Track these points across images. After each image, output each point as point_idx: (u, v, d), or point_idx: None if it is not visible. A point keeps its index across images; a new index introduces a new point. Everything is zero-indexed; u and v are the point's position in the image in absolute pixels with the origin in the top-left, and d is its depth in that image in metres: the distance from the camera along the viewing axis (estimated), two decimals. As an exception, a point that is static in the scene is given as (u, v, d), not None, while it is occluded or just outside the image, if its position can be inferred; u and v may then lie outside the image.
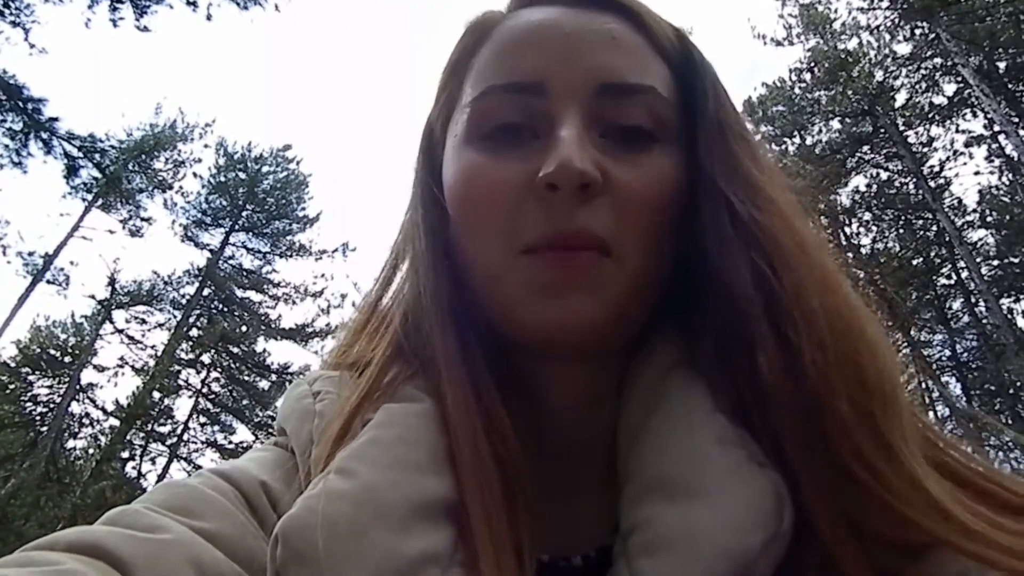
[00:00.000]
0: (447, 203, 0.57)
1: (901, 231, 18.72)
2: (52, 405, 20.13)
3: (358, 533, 0.42)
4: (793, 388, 0.46)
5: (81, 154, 18.66)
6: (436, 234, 0.59)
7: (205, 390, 22.20)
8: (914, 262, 18.22)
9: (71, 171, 18.99)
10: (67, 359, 20.72)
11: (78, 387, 20.32)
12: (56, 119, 17.71)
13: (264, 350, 22.62)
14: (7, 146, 18.05)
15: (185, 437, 21.23)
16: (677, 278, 0.55)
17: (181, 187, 22.02)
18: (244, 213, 23.24)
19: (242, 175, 23.41)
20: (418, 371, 0.56)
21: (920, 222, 18.38)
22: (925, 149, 18.12)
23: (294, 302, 23.08)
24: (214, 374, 22.47)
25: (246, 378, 22.37)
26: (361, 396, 0.54)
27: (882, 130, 17.90)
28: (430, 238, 0.59)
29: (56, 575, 0.36)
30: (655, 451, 0.49)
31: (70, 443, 20.56)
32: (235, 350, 22.31)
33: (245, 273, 23.30)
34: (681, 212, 0.54)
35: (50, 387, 20.66)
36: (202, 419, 22.00)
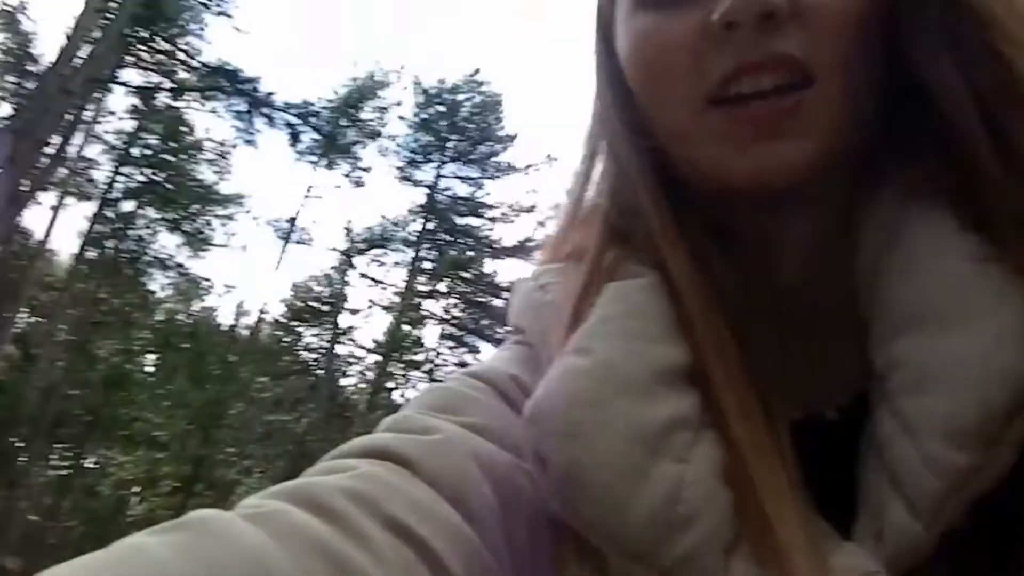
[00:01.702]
0: (627, 75, 0.54)
1: None
2: (322, 351, 22.53)
3: (602, 405, 0.43)
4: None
5: (299, 120, 20.22)
6: (626, 110, 0.56)
7: (447, 317, 23.73)
8: None
9: (294, 138, 20.69)
10: (325, 308, 22.99)
11: (339, 332, 22.54)
12: (272, 93, 19.32)
13: (493, 271, 23.67)
14: (237, 127, 20.03)
15: (437, 362, 22.94)
16: (891, 103, 0.50)
17: (389, 132, 23.30)
18: (450, 144, 24.10)
19: (441, 108, 24.21)
20: (636, 249, 0.54)
21: None
22: None
23: (511, 220, 23.83)
24: (452, 300, 23.94)
25: (481, 300, 23.56)
26: (585, 281, 0.53)
27: None
28: (621, 114, 0.57)
29: (356, 478, 0.40)
30: (902, 283, 0.45)
31: (343, 381, 23.03)
32: (466, 275, 23.54)
33: (461, 201, 24.30)
34: (883, 27, 0.47)
35: (317, 335, 23.14)
36: (449, 343, 23.62)
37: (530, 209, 23.38)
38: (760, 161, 0.47)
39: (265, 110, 19.64)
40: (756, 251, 0.55)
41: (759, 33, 0.45)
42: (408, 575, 0.37)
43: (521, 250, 22.52)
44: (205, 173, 21.71)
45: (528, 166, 23.66)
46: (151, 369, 23.95)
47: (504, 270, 23.42)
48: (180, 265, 21.85)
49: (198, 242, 21.78)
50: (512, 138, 24.25)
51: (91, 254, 20.03)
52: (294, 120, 20.20)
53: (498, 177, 24.17)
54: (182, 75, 20.22)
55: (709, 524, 0.40)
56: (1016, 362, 0.38)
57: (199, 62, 19.31)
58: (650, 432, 0.41)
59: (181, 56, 19.21)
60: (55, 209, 18.66)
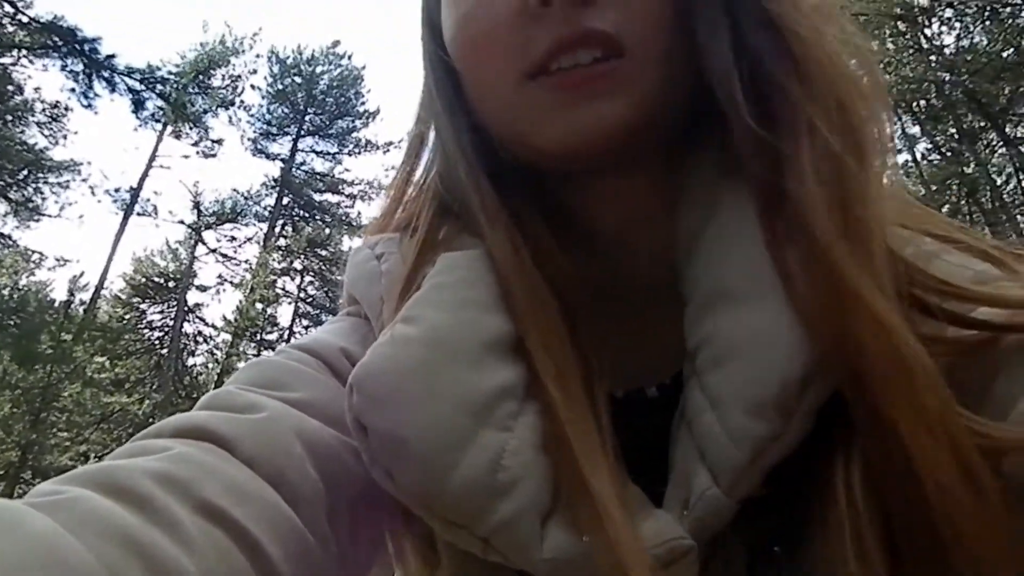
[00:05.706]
0: (451, 55, 0.56)
1: (987, 23, 17.36)
2: (167, 329, 21.44)
3: (432, 373, 0.42)
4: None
5: (143, 86, 18.98)
6: (449, 91, 0.57)
7: (303, 295, 23.16)
8: (1004, 55, 16.98)
9: (138, 105, 19.41)
10: (171, 284, 21.88)
11: (186, 309, 21.52)
12: (113, 56, 18.04)
13: (350, 249, 23.07)
14: (73, 89, 18.57)
15: (292, 342, 22.31)
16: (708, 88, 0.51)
17: (242, 101, 22.41)
18: (307, 117, 23.52)
19: (298, 79, 23.54)
20: (466, 223, 0.55)
21: (1008, 10, 17.00)
22: (1009, -74, 16.50)
23: (370, 198, 23.59)
24: (308, 278, 23.40)
25: (339, 278, 23.02)
26: (418, 250, 0.54)
27: (958, -87, 16.36)
28: (444, 96, 0.58)
29: (166, 459, 0.38)
30: (710, 263, 0.48)
31: (190, 361, 22.06)
32: (323, 253, 23.05)
33: (319, 176, 23.79)
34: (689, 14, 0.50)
35: (161, 312, 21.99)
36: (304, 322, 23.08)
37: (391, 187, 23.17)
38: (577, 120, 0.48)
39: (105, 73, 18.36)
40: (582, 226, 0.56)
41: (573, 10, 0.47)
42: (222, 561, 0.35)
43: (380, 228, 22.27)
44: (35, 136, 20.04)
45: (389, 144, 23.42)
46: (-28, 349, 21.94)
47: (363, 248, 23.11)
48: (6, 236, 20.12)
49: (27, 211, 20.09)
50: (373, 114, 23.92)
51: (-101, 222, 18.08)
52: (137, 86, 19.02)
53: (357, 153, 23.82)
54: (8, 28, 18.50)
55: (528, 491, 0.41)
56: (802, 337, 0.40)
57: (28, 16, 17.72)
58: (478, 401, 0.42)
59: (6, 7, 17.56)
60: None
